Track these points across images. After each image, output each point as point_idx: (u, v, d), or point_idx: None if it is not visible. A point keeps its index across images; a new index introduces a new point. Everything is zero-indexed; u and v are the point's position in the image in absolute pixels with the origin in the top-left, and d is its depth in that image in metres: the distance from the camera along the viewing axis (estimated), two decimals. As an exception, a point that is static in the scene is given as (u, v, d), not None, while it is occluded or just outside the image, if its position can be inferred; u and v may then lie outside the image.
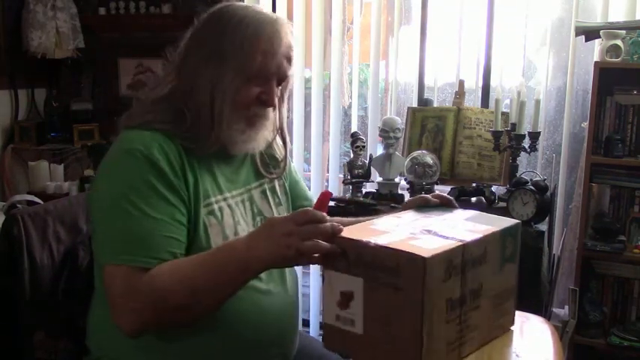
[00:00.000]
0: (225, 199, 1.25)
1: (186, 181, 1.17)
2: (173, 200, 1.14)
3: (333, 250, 1.01)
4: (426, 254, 0.93)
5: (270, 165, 1.40)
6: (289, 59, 1.25)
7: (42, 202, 1.95)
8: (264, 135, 1.29)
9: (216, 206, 1.22)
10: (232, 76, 1.19)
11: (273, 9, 3.08)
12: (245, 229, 1.26)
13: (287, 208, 1.42)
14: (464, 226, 1.09)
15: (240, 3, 1.30)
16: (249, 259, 1.06)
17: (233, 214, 1.25)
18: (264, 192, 1.37)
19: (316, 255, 1.02)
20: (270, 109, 1.27)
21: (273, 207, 1.37)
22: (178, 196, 1.15)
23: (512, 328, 1.18)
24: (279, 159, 1.44)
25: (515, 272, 1.15)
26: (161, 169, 1.14)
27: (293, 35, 1.26)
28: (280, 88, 1.27)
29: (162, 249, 1.11)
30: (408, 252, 0.94)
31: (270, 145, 1.40)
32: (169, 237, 1.12)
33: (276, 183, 1.41)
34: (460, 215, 1.18)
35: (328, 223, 1.04)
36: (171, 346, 1.17)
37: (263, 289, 1.25)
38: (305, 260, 1.04)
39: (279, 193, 1.41)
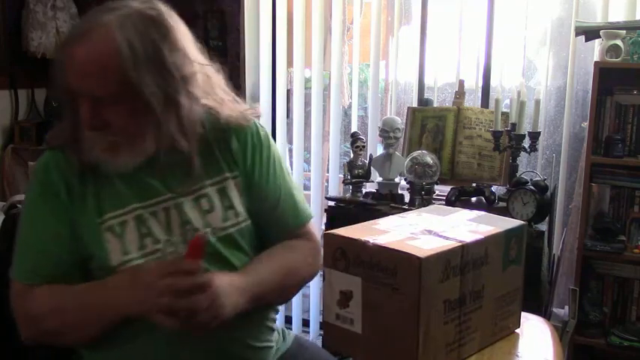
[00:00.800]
0: (134, 211, 1.16)
1: (72, 199, 1.16)
2: (55, 217, 1.16)
3: (192, 311, 1.00)
4: (422, 254, 0.93)
5: (221, 161, 1.24)
6: (88, 76, 1.08)
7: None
8: (133, 151, 1.14)
9: (115, 221, 1.15)
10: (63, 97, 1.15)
11: (274, 9, 3.08)
12: (161, 239, 1.16)
13: (222, 214, 1.21)
14: (466, 227, 1.09)
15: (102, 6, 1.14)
16: (109, 305, 1.09)
17: (140, 227, 1.16)
18: (200, 197, 1.21)
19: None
20: (113, 129, 1.11)
21: (200, 215, 1.20)
22: (61, 213, 1.16)
23: (517, 330, 1.18)
24: (236, 154, 1.25)
25: (521, 274, 1.15)
26: (44, 189, 1.17)
27: (104, 42, 1.07)
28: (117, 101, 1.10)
29: (40, 265, 1.15)
30: (405, 252, 0.94)
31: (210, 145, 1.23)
32: (48, 253, 1.15)
33: (231, 182, 1.24)
34: (464, 216, 1.17)
35: (196, 277, 1.02)
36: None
37: None
38: (167, 319, 1.01)
39: (230, 195, 1.23)
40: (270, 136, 1.33)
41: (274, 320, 1.32)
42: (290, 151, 3.27)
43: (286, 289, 1.26)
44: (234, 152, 1.25)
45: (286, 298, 1.37)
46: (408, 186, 2.48)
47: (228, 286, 1.09)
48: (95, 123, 1.10)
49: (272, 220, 1.28)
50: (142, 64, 1.08)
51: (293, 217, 1.30)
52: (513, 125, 2.37)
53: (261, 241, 1.28)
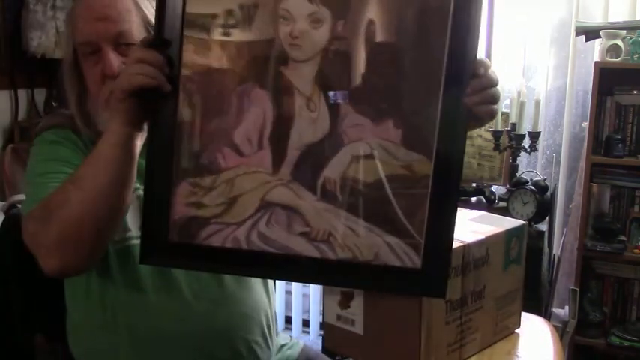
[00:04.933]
0: (135, 190, 1.13)
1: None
2: (67, 158, 1.13)
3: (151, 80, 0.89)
4: (424, 254, 0.93)
5: None
6: (109, 17, 1.09)
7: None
8: None
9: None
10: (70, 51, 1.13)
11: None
12: None
13: None
14: (467, 227, 1.09)
15: None
16: (98, 149, 1.00)
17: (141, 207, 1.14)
18: None
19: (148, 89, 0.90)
20: None
21: None
22: (73, 157, 1.14)
23: (517, 330, 1.18)
24: None
25: (521, 274, 1.15)
26: (53, 144, 1.16)
27: None
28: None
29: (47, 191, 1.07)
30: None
31: None
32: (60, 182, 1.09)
33: None
34: (465, 215, 1.18)
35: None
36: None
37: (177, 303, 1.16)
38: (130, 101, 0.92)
39: None
40: None
41: (274, 323, 1.31)
42: None
43: None
44: None
45: None
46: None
47: None
48: (122, 66, 1.06)
49: None
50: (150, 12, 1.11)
51: None
52: (513, 125, 2.37)
53: None
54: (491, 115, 0.93)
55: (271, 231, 0.91)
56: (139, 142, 1.00)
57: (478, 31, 0.87)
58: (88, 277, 1.16)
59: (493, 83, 0.90)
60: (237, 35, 0.90)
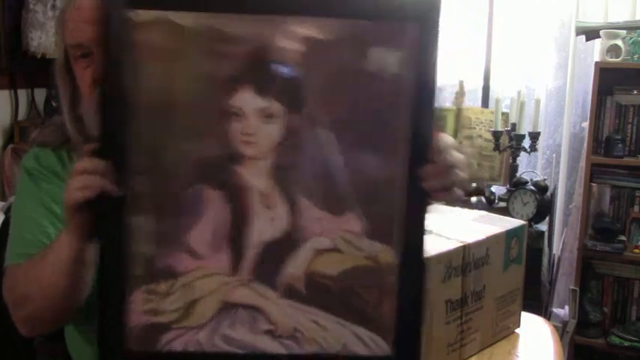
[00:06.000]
0: None
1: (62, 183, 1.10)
2: (47, 195, 1.11)
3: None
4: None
5: None
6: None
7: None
8: None
9: None
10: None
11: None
12: None
13: None
14: (467, 227, 1.09)
15: None
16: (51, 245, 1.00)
17: None
18: None
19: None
20: None
21: None
22: (52, 193, 1.11)
23: (517, 330, 1.18)
24: None
25: (521, 273, 1.15)
26: (34, 173, 1.13)
27: None
28: None
29: (31, 242, 1.08)
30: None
31: None
32: (40, 227, 1.09)
33: None
34: (466, 216, 1.18)
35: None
36: None
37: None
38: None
39: None
40: None
41: None
42: None
43: None
44: None
45: None
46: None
47: None
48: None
49: None
50: None
51: None
52: (513, 125, 2.37)
53: None
54: (456, 200, 0.90)
55: (235, 332, 0.88)
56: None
57: (433, 116, 0.86)
58: None
59: (451, 167, 0.87)
60: (187, 134, 0.87)
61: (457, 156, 0.89)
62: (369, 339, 0.88)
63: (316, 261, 0.87)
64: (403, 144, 0.86)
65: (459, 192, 0.89)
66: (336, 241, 0.87)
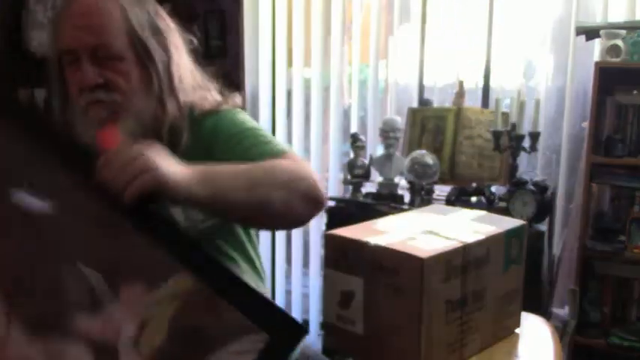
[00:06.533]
0: None
1: None
2: None
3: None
4: (423, 255, 0.93)
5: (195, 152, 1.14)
6: (89, 27, 1.06)
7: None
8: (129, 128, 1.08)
9: None
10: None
11: (273, 9, 3.08)
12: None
13: None
14: (467, 227, 1.09)
15: None
16: None
17: None
18: None
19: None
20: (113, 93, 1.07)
21: (181, 209, 1.15)
22: None
23: (517, 330, 1.18)
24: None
25: (521, 274, 1.15)
26: None
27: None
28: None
29: None
30: (406, 252, 0.94)
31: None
32: None
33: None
34: (466, 215, 1.17)
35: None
36: None
37: None
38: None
39: None
40: (246, 118, 1.21)
41: None
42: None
43: (264, 186, 1.01)
44: (199, 140, 1.15)
45: (272, 209, 1.03)
46: (408, 186, 2.48)
47: (165, 154, 0.94)
48: (97, 80, 1.05)
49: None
50: (146, 26, 1.08)
51: (270, 150, 1.12)
52: (513, 125, 2.37)
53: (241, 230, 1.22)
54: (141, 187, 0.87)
55: None
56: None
57: None
58: None
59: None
60: None
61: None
62: (250, 343, 0.85)
63: (144, 343, 0.86)
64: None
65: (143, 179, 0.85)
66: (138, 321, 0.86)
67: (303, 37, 3.07)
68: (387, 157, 2.51)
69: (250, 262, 1.28)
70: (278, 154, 1.11)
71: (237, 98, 1.25)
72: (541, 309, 2.22)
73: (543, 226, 2.28)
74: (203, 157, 1.07)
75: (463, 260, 0.99)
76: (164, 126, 1.11)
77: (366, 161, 2.55)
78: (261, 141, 1.14)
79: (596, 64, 2.38)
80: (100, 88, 1.06)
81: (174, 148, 1.07)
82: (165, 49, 1.12)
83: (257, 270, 1.31)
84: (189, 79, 1.18)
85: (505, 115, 2.47)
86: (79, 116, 1.11)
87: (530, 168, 2.66)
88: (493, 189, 2.41)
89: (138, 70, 1.08)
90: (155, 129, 1.10)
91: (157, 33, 1.11)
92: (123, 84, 1.07)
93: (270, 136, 1.18)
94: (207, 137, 1.16)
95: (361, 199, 2.48)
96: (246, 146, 1.13)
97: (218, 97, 1.22)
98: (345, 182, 2.58)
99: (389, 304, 0.97)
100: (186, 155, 1.07)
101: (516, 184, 2.27)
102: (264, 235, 3.12)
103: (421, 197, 2.39)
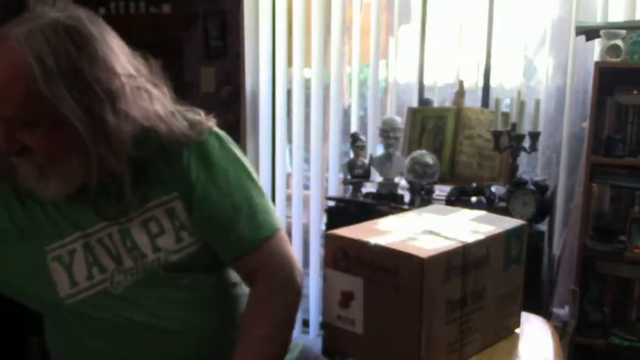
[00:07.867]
0: (80, 239, 1.11)
1: (15, 225, 1.11)
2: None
3: None
4: (424, 255, 0.93)
5: (167, 181, 1.13)
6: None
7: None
8: (62, 177, 1.06)
9: (63, 250, 1.10)
10: None
11: (273, 9, 3.08)
12: (108, 267, 1.11)
13: (174, 236, 1.13)
14: (467, 227, 1.09)
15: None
16: None
17: (87, 256, 1.11)
18: (148, 220, 1.12)
19: None
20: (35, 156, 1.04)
21: (149, 239, 1.12)
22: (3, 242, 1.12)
23: (517, 330, 1.18)
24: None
25: (521, 274, 1.15)
26: None
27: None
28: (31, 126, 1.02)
29: None
30: (406, 252, 0.94)
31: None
32: None
33: (178, 202, 1.13)
34: (466, 215, 1.17)
35: None
36: None
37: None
38: None
39: (179, 215, 1.13)
40: (229, 144, 1.18)
41: None
42: (290, 151, 3.27)
43: (278, 345, 1.15)
44: (176, 171, 1.12)
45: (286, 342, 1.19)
46: (408, 186, 2.48)
47: None
48: (12, 147, 1.02)
49: (224, 240, 1.15)
50: (55, 77, 0.99)
51: (249, 235, 1.14)
52: (513, 125, 2.37)
53: (217, 257, 1.18)
54: None
55: None
56: None
57: None
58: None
59: None
60: None
61: None
62: None
63: None
64: None
65: None
66: None
67: (303, 37, 3.08)
68: (387, 157, 2.51)
69: (233, 285, 1.24)
70: (261, 238, 1.14)
71: (208, 118, 1.19)
72: (541, 309, 2.22)
73: (543, 226, 2.28)
74: (185, 190, 1.11)
75: (463, 260, 0.99)
76: (111, 171, 1.07)
77: (366, 161, 2.55)
78: (252, 198, 1.15)
79: (596, 64, 2.38)
80: (16, 155, 1.04)
81: (142, 182, 1.10)
82: (94, 95, 1.03)
83: (242, 293, 1.25)
84: (143, 103, 1.11)
85: (505, 115, 2.47)
86: (18, 166, 1.08)
87: (530, 168, 2.66)
88: (493, 189, 2.41)
89: (59, 129, 1.02)
90: (100, 174, 1.06)
91: (76, 76, 1.01)
92: (41, 146, 1.03)
93: (244, 187, 1.17)
94: (180, 168, 1.13)
95: (361, 199, 2.48)
96: (231, 201, 1.14)
97: (191, 119, 1.16)
98: (345, 182, 2.58)
99: (389, 304, 0.97)
100: (165, 186, 1.12)
101: (516, 184, 2.26)
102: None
103: (421, 197, 2.39)
